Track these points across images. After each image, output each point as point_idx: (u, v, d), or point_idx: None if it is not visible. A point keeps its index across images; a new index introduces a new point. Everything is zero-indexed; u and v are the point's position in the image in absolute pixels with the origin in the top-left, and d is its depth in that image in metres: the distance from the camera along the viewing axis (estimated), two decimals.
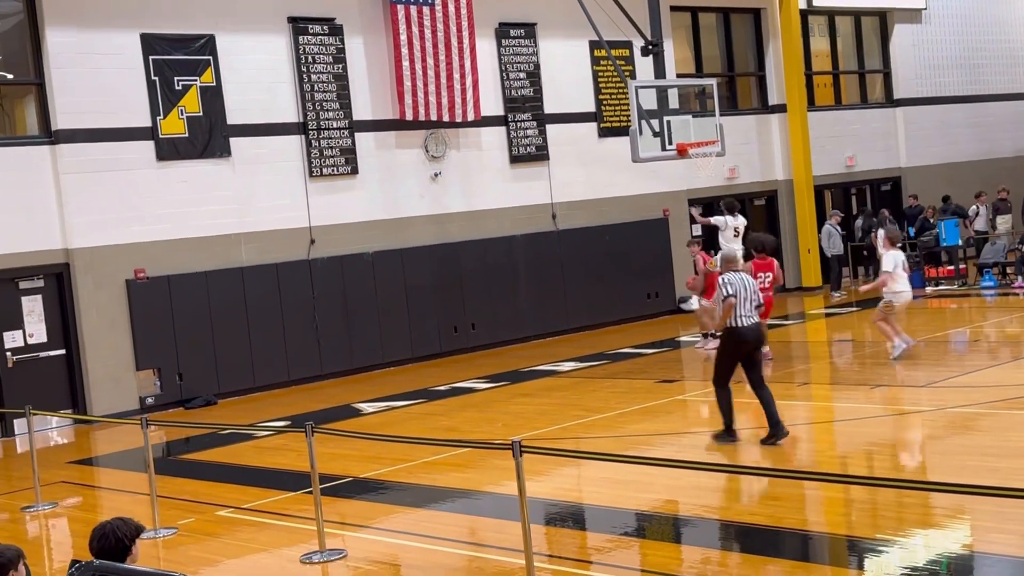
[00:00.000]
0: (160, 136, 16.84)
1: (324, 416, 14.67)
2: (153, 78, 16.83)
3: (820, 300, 23.23)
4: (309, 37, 18.28)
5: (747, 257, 15.85)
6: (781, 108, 24.89)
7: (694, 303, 16.22)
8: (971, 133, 28.82)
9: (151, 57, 16.82)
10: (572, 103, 21.48)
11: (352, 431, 12.31)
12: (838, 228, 23.77)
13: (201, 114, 17.20)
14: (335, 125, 18.48)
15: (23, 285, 16.08)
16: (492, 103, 20.26)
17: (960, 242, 23.79)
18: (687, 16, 23.92)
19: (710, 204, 23.90)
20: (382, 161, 19.09)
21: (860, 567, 7.76)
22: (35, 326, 16.16)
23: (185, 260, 17.04)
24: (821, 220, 24.80)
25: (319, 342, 18.18)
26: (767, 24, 24.97)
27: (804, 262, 24.91)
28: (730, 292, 10.94)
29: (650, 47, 18.00)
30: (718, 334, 13.68)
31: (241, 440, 13.96)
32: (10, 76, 16.67)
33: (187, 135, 17.07)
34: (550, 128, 21.05)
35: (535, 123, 20.86)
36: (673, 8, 22.87)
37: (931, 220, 24.51)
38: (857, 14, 27.15)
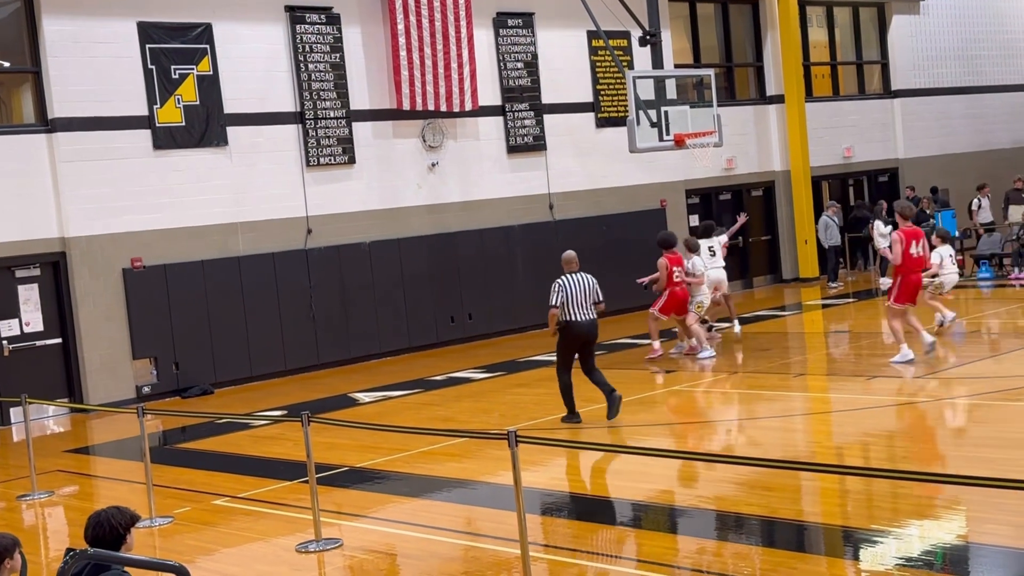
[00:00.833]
0: (157, 125, 16.81)
1: (320, 405, 14.67)
2: (150, 67, 16.80)
3: (817, 291, 23.26)
4: (306, 26, 18.25)
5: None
6: (779, 99, 24.87)
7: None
8: (968, 124, 28.83)
9: (148, 46, 16.78)
10: (570, 93, 21.46)
11: (348, 420, 12.33)
12: (835, 219, 23.80)
13: (198, 103, 17.17)
14: (332, 115, 18.45)
15: (19, 274, 16.07)
16: (490, 93, 20.23)
17: (957, 233, 23.79)
18: (685, 6, 23.90)
19: (708, 195, 23.95)
20: (379, 151, 19.08)
21: (855, 557, 7.77)
22: (31, 315, 16.15)
23: (182, 249, 17.03)
24: (819, 211, 24.82)
25: (316, 332, 18.18)
26: (765, 15, 24.95)
27: (801, 253, 24.93)
28: (555, 302, 12.06)
29: (648, 37, 17.99)
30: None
31: (237, 429, 13.96)
32: (7, 64, 16.64)
33: (184, 124, 17.05)
34: (547, 118, 21.03)
35: (532, 113, 20.84)
36: None
37: (927, 211, 24.52)
38: (855, 5, 27.13)
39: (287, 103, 18.13)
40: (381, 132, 19.09)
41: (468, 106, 19.61)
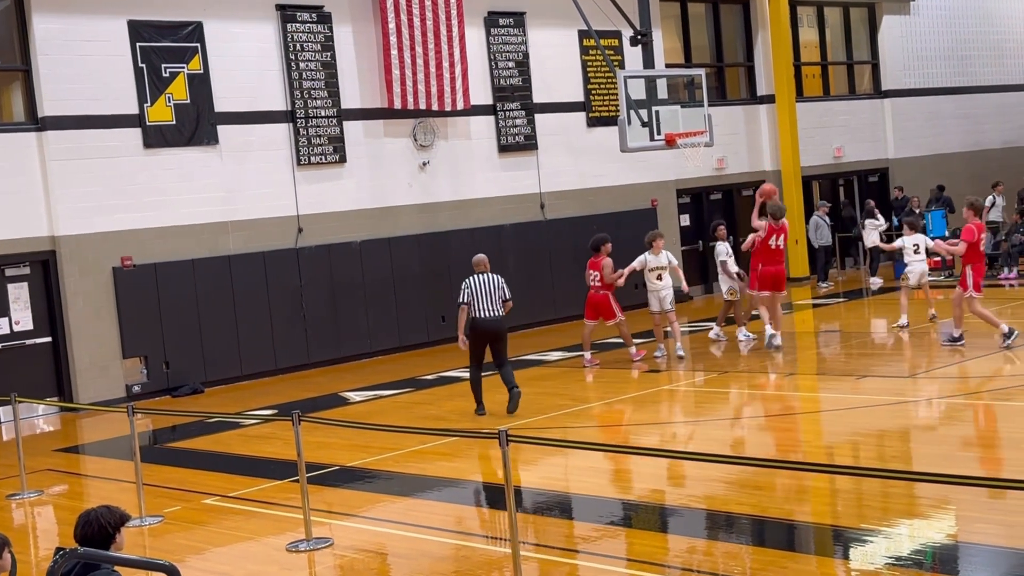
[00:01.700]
0: (147, 123, 16.78)
1: (311, 405, 14.66)
2: (140, 65, 16.76)
3: (807, 290, 23.29)
4: (297, 25, 18.22)
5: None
6: (769, 99, 24.91)
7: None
8: (959, 124, 28.90)
9: (138, 44, 16.75)
10: (561, 93, 21.46)
11: (339, 420, 12.32)
12: (826, 219, 23.84)
13: (188, 101, 17.14)
14: (323, 113, 18.43)
15: (9, 272, 16.02)
16: (481, 92, 20.23)
17: (947, 233, 23.83)
18: (676, 6, 23.92)
19: (699, 195, 23.97)
20: (370, 150, 19.06)
21: (845, 556, 7.79)
22: (21, 313, 16.11)
23: (172, 248, 16.99)
24: (809, 211, 24.86)
25: (306, 331, 18.17)
26: (756, 14, 24.98)
27: (792, 253, 24.94)
28: (463, 300, 12.88)
29: (639, 37, 18.00)
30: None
31: (228, 428, 13.94)
32: None
33: (174, 122, 17.01)
34: (539, 117, 21.04)
35: (524, 112, 20.84)
36: None
37: (916, 211, 24.58)
38: (846, 5, 27.18)
39: (278, 102, 18.10)
40: (372, 131, 19.08)
41: (459, 105, 19.61)
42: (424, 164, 19.61)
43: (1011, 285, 21.03)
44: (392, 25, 18.77)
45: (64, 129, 16.08)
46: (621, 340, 16.47)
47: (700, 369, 15.56)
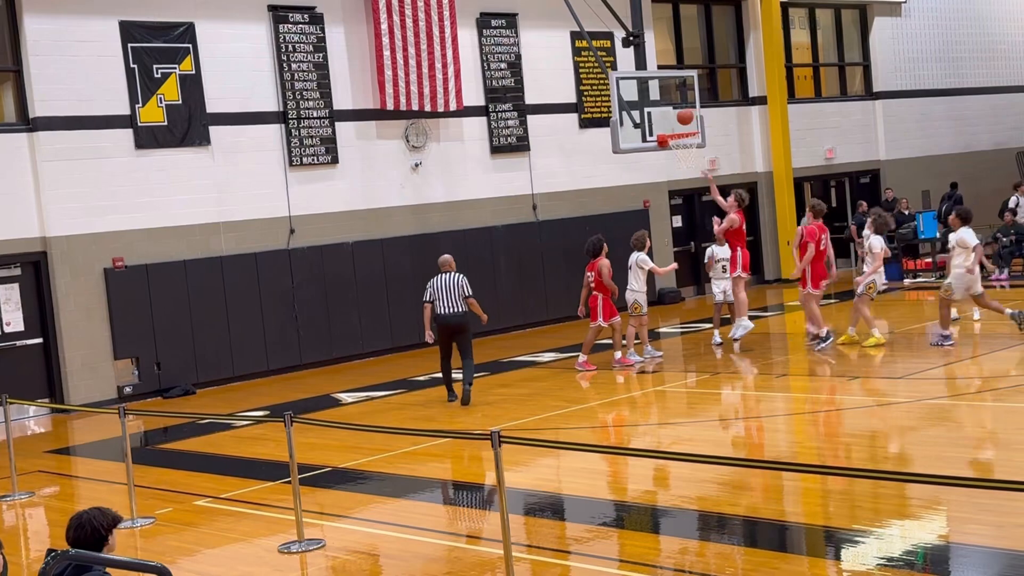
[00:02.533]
0: (139, 124, 16.75)
1: (303, 406, 14.64)
2: (132, 66, 16.74)
3: (798, 292, 23.26)
4: (289, 26, 18.21)
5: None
6: (761, 100, 24.95)
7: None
8: (950, 126, 28.98)
9: (130, 45, 16.72)
10: (553, 94, 21.47)
11: (331, 421, 12.32)
12: None
13: (180, 102, 17.12)
14: (315, 114, 18.42)
15: (0, 273, 15.98)
16: (473, 93, 20.23)
17: (938, 234, 23.87)
18: (668, 8, 23.95)
19: (691, 196, 23.99)
20: (362, 151, 19.05)
21: (837, 557, 7.80)
22: (12, 315, 16.08)
23: (164, 249, 16.97)
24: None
25: (299, 332, 18.15)
26: (748, 16, 25.02)
27: (783, 254, 24.99)
28: (427, 298, 14.09)
29: (631, 38, 18.02)
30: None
31: (220, 430, 13.92)
32: None
33: (166, 123, 16.99)
34: (531, 119, 21.04)
35: (516, 114, 20.85)
36: None
37: (906, 212, 24.63)
38: (837, 7, 27.24)
39: (270, 103, 18.09)
40: (364, 132, 19.07)
41: (452, 106, 19.61)
42: (416, 165, 19.60)
43: (1002, 286, 21.08)
44: (384, 26, 18.77)
45: (55, 130, 16.05)
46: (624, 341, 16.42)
47: (692, 370, 15.58)
